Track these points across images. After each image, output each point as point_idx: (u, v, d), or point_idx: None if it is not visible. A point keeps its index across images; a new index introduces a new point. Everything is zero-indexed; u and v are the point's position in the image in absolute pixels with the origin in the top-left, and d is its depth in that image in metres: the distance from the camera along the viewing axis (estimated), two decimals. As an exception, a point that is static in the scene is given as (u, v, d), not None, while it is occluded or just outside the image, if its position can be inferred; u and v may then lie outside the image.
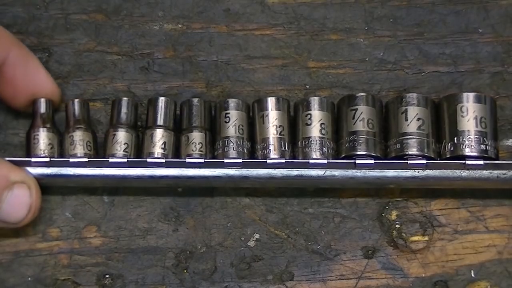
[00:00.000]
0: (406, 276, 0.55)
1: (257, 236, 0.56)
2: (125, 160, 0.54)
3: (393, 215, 0.57)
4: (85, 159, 0.54)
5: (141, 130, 0.57)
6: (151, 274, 0.55)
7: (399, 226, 0.56)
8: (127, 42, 0.59)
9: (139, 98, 0.58)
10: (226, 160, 0.54)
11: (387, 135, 0.55)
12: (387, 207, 0.57)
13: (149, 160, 0.54)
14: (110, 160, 0.54)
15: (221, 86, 0.59)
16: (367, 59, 0.59)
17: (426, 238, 0.56)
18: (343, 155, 0.55)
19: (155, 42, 0.59)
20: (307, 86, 0.59)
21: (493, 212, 0.56)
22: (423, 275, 0.55)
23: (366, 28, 0.59)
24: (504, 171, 0.54)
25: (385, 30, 0.59)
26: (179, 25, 0.59)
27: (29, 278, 0.55)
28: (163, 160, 0.54)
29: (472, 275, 0.55)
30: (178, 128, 0.56)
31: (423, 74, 0.59)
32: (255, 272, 0.55)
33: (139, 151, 0.55)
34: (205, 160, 0.54)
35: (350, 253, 0.56)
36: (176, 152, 0.55)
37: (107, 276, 0.55)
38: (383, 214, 0.57)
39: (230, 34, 0.59)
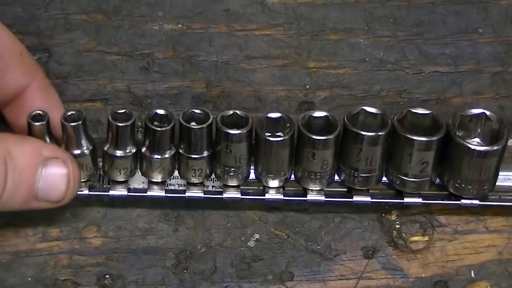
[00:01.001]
0: (406, 276, 0.55)
1: (257, 236, 0.56)
2: (125, 193, 0.55)
3: (393, 215, 0.57)
4: (86, 191, 0.55)
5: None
6: (151, 274, 0.55)
7: (399, 226, 0.56)
8: (127, 42, 0.59)
9: (139, 98, 0.58)
10: (225, 195, 0.55)
11: (389, 166, 0.54)
12: (387, 207, 0.57)
13: (149, 193, 0.55)
14: (111, 193, 0.55)
15: (221, 86, 0.59)
16: (367, 59, 0.59)
17: (426, 238, 0.56)
18: (342, 183, 0.55)
19: (155, 42, 0.59)
20: (307, 86, 0.59)
21: (493, 212, 0.56)
22: (423, 275, 0.55)
23: (366, 28, 0.59)
24: (496, 209, 0.56)
25: (385, 30, 0.59)
26: (179, 25, 0.59)
27: (29, 278, 0.55)
28: (163, 194, 0.55)
29: (472, 275, 0.55)
30: (177, 151, 0.54)
31: (423, 74, 0.59)
32: (255, 272, 0.56)
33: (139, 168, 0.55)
34: (204, 196, 0.55)
35: (350, 253, 0.56)
36: (178, 170, 0.54)
37: (107, 276, 0.55)
38: (383, 214, 0.57)
39: (230, 34, 0.59)
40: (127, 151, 0.53)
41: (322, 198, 0.55)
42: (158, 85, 0.59)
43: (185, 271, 0.56)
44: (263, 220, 0.56)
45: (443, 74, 0.59)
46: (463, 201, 0.54)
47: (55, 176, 0.51)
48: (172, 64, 0.59)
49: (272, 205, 0.57)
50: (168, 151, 0.53)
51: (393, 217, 0.56)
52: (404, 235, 0.56)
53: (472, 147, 0.51)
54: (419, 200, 0.54)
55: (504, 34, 0.59)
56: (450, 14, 0.59)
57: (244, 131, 0.52)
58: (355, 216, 0.56)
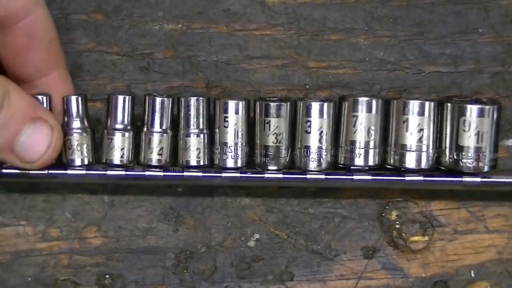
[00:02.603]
0: (406, 276, 0.55)
1: (257, 236, 0.56)
2: (123, 172, 0.54)
3: (393, 215, 0.57)
4: (83, 171, 0.54)
5: (138, 128, 0.56)
6: (151, 274, 0.55)
7: (399, 226, 0.56)
8: (127, 42, 0.59)
9: (139, 98, 0.58)
10: (223, 174, 0.54)
11: (387, 141, 0.54)
12: (387, 207, 0.57)
13: (147, 173, 0.54)
14: (108, 173, 0.54)
15: (221, 86, 0.59)
16: (367, 59, 0.59)
17: (426, 238, 0.56)
18: (341, 163, 0.54)
19: (155, 42, 0.59)
20: (307, 86, 0.59)
21: (493, 212, 0.56)
22: (423, 275, 0.55)
23: (366, 28, 0.59)
24: (499, 186, 0.54)
25: (385, 30, 0.59)
26: (179, 25, 0.59)
27: (29, 278, 0.55)
28: (161, 174, 0.54)
29: (472, 275, 0.55)
30: (175, 126, 0.55)
31: (423, 74, 0.59)
32: (255, 272, 0.55)
33: (136, 150, 0.55)
34: (203, 174, 0.54)
35: (350, 253, 0.56)
36: (174, 152, 0.55)
37: (107, 276, 0.55)
38: (383, 214, 0.57)
39: (230, 34, 0.59)
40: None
41: (322, 176, 0.54)
42: (158, 85, 0.58)
43: (185, 271, 0.55)
44: (263, 220, 0.56)
45: (443, 74, 0.58)
46: (465, 178, 0.54)
47: (39, 136, 0.51)
48: (172, 64, 0.59)
49: (273, 205, 0.57)
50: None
51: (393, 217, 0.56)
52: (404, 235, 0.56)
53: (468, 106, 0.53)
54: (420, 178, 0.54)
55: (504, 34, 0.59)
56: (450, 14, 0.59)
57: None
58: (355, 216, 0.56)
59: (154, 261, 0.56)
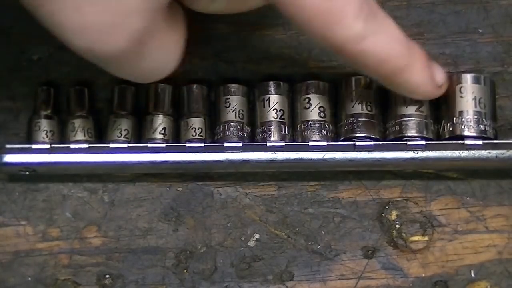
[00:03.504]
0: (406, 276, 0.55)
1: (257, 236, 0.56)
2: (125, 145, 0.54)
3: (393, 215, 0.57)
4: (86, 145, 0.55)
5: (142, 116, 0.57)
6: (151, 274, 0.55)
7: (399, 226, 0.56)
8: (127, 42, 0.59)
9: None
10: (226, 144, 0.54)
11: (386, 117, 0.55)
12: (387, 207, 0.57)
13: (149, 145, 0.54)
14: (111, 145, 0.55)
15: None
16: (367, 59, 0.59)
17: (426, 238, 0.56)
18: (342, 138, 0.55)
19: (155, 42, 0.59)
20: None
21: (493, 212, 0.56)
22: (423, 275, 0.55)
23: (366, 28, 0.59)
24: (503, 151, 0.54)
25: (385, 30, 0.59)
26: (179, 25, 0.59)
27: (29, 278, 0.55)
28: (164, 145, 0.54)
29: (472, 275, 0.55)
30: (178, 114, 0.56)
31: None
32: (255, 272, 0.56)
33: (139, 137, 0.56)
34: (206, 144, 0.55)
35: (350, 253, 0.56)
36: (176, 138, 0.56)
37: (107, 276, 0.55)
38: (383, 214, 0.57)
39: (230, 34, 0.59)
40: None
41: (324, 143, 0.54)
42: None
43: (185, 271, 0.56)
44: (263, 220, 0.56)
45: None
46: (467, 141, 0.54)
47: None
48: (172, 64, 0.59)
49: (273, 205, 0.57)
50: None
51: (393, 217, 0.56)
52: (404, 235, 0.56)
53: (463, 74, 0.55)
54: (422, 142, 0.54)
55: (504, 34, 0.59)
56: (450, 14, 0.59)
57: None
58: (355, 216, 0.56)
59: (154, 261, 0.56)
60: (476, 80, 0.55)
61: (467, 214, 0.56)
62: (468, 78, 0.55)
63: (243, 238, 0.56)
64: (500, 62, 0.59)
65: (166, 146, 0.54)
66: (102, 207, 0.57)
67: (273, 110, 0.55)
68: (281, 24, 0.59)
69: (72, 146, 0.55)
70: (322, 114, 0.55)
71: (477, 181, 0.57)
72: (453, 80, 0.55)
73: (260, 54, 0.59)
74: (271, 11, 0.59)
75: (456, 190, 0.57)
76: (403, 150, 0.54)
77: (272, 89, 0.56)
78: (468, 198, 0.57)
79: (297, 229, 0.56)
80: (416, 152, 0.54)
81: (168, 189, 0.57)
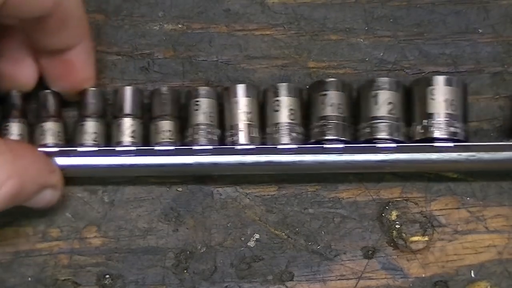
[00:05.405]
0: (406, 276, 0.55)
1: (257, 236, 0.56)
2: (96, 148, 0.54)
3: (393, 215, 0.57)
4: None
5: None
6: (151, 274, 0.55)
7: (399, 226, 0.56)
8: (127, 42, 0.59)
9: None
10: (195, 147, 0.54)
11: (358, 120, 0.55)
12: (387, 207, 0.57)
13: (117, 148, 0.55)
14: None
15: (221, 86, 0.59)
16: (367, 59, 0.59)
17: (426, 238, 0.56)
18: (312, 140, 0.55)
19: (155, 42, 0.59)
20: (307, 86, 0.59)
21: (493, 212, 0.56)
22: (423, 275, 0.56)
23: (366, 28, 0.59)
24: (473, 153, 0.54)
25: (385, 30, 0.59)
26: (179, 25, 0.59)
27: (29, 278, 0.55)
28: (133, 148, 0.54)
29: (472, 275, 0.55)
30: (147, 118, 0.56)
31: (423, 74, 0.59)
32: (255, 272, 0.56)
33: (108, 140, 0.56)
34: (176, 147, 0.54)
35: (350, 253, 0.56)
36: (146, 141, 0.56)
37: (107, 276, 0.55)
38: (383, 214, 0.57)
39: (230, 34, 0.59)
40: None
41: (294, 146, 0.54)
42: (158, 85, 0.58)
43: (185, 271, 0.56)
44: (263, 220, 0.56)
45: (443, 74, 0.58)
46: (437, 143, 0.53)
47: (46, 200, 0.53)
48: (172, 64, 0.59)
49: (273, 205, 0.57)
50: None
51: (393, 217, 0.57)
52: (404, 235, 0.56)
53: (434, 76, 0.54)
54: (393, 145, 0.54)
55: (504, 34, 0.59)
56: (450, 14, 0.59)
57: None
58: (355, 216, 0.56)
59: (154, 261, 0.56)
60: (448, 82, 0.54)
61: (467, 214, 0.56)
62: (439, 80, 0.54)
63: (243, 238, 0.56)
64: (500, 62, 0.59)
65: (136, 149, 0.54)
66: (102, 207, 0.57)
67: (242, 112, 0.55)
68: (281, 24, 0.59)
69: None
70: (292, 117, 0.55)
71: (477, 181, 0.57)
72: (425, 82, 0.54)
73: (260, 54, 0.59)
74: (271, 11, 0.60)
75: (456, 190, 0.57)
76: (374, 153, 0.54)
77: (240, 92, 0.55)
78: (468, 199, 0.57)
79: (297, 229, 0.56)
80: (386, 154, 0.54)
81: (168, 189, 0.57)
